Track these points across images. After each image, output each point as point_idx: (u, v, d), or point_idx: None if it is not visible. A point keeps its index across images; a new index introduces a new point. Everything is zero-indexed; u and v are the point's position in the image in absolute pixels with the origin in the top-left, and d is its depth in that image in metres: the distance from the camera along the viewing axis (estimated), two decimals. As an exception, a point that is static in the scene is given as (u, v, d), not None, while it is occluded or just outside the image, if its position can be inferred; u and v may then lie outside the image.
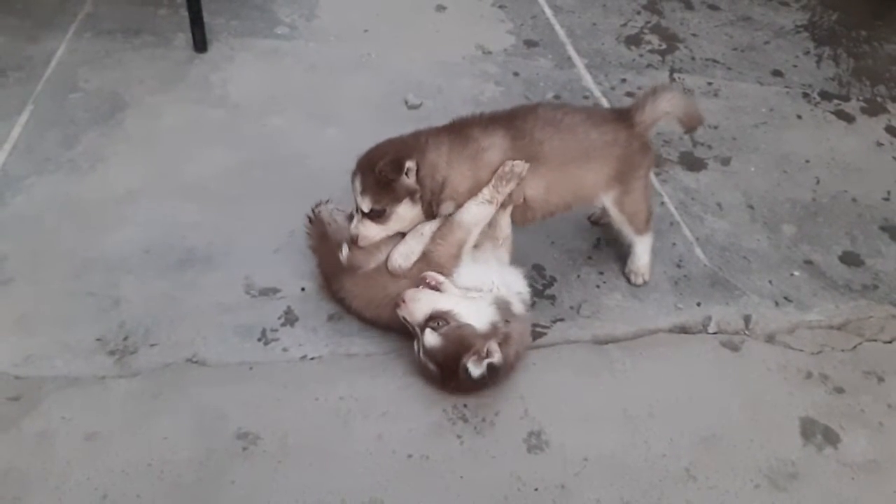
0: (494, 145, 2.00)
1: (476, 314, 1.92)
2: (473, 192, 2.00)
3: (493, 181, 1.98)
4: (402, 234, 2.05)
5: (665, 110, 2.17)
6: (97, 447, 1.79)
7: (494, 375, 1.89)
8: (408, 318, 1.92)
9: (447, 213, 2.02)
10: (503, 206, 2.03)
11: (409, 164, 1.93)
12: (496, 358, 1.86)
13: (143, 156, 2.59)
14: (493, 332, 1.90)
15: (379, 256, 2.05)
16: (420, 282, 1.98)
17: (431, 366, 1.90)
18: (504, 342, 1.90)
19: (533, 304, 2.14)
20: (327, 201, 2.25)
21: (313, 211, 2.24)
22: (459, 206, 2.01)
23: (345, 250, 2.07)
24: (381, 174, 1.92)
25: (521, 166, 1.96)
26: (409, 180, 1.95)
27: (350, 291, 2.07)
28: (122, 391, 1.91)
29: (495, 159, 1.99)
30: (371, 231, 2.00)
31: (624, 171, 2.13)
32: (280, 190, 2.50)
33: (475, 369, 1.85)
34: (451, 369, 1.88)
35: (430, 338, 1.88)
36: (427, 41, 3.32)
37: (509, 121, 2.06)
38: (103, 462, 1.76)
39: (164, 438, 1.82)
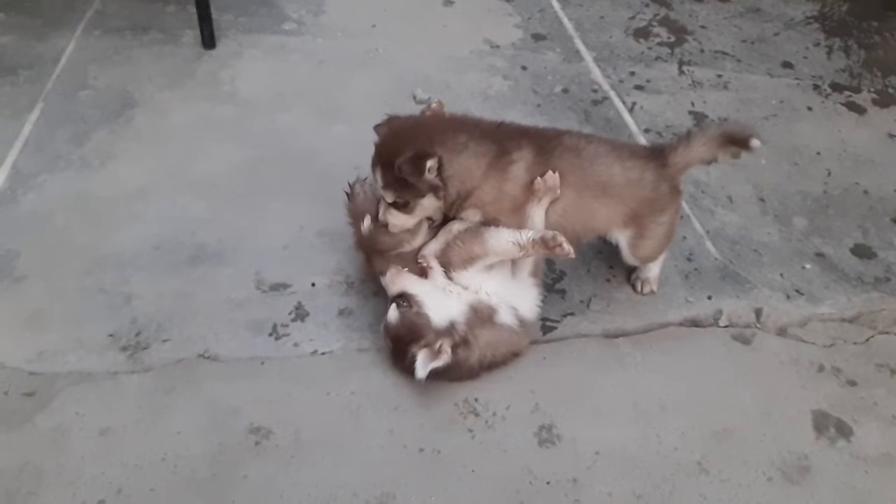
0: (522, 159, 1.95)
1: (439, 308, 1.91)
2: (497, 202, 1.95)
3: (536, 240, 1.89)
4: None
5: (699, 157, 2.08)
6: (111, 442, 1.80)
7: (444, 374, 1.88)
8: (386, 289, 1.98)
9: (471, 219, 2.00)
10: (540, 201, 1.96)
11: (430, 163, 1.84)
12: (442, 360, 1.84)
13: (153, 153, 2.60)
14: (448, 330, 1.88)
15: (407, 241, 2.04)
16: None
17: (388, 341, 1.94)
18: (462, 345, 1.89)
19: (546, 304, 2.13)
20: (365, 179, 2.20)
21: (351, 186, 2.21)
22: (485, 214, 1.98)
23: (366, 222, 2.07)
24: (400, 172, 1.85)
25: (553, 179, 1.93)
26: (432, 177, 1.86)
27: (379, 272, 2.06)
28: (135, 386, 1.92)
29: (520, 174, 1.95)
30: (399, 220, 1.97)
31: (644, 215, 2.05)
32: (289, 186, 2.50)
33: (421, 368, 1.81)
34: (399, 351, 1.90)
35: (392, 313, 1.92)
36: (435, 36, 3.32)
37: (539, 140, 1.99)
38: (117, 457, 1.77)
39: (178, 433, 1.83)
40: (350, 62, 3.10)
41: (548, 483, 1.80)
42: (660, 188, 2.05)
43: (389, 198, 1.93)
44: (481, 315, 1.94)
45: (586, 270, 2.34)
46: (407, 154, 1.84)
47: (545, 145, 1.98)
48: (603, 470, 1.83)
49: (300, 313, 2.13)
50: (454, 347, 1.87)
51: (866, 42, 3.56)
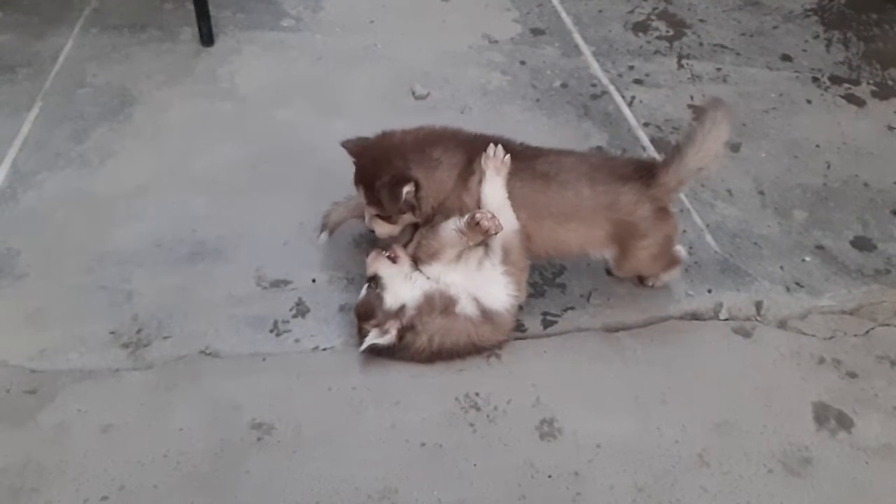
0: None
1: (395, 293, 1.98)
2: (458, 211, 1.99)
3: (468, 221, 1.91)
4: None
5: (695, 169, 1.95)
6: (113, 439, 1.81)
7: (393, 354, 1.97)
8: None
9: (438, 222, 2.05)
10: (486, 176, 1.96)
11: (407, 188, 1.92)
12: (385, 340, 1.95)
13: (152, 150, 2.60)
14: (397, 313, 1.96)
15: (397, 241, 2.11)
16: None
17: (355, 315, 2.03)
18: (410, 329, 1.95)
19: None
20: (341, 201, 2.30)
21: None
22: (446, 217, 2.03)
23: (323, 238, 2.22)
24: (379, 196, 1.94)
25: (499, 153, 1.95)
26: (410, 197, 1.94)
27: None
28: (136, 383, 1.92)
29: (475, 187, 1.97)
30: (384, 228, 2.04)
31: (623, 237, 2.02)
32: (289, 182, 2.50)
33: (364, 343, 1.94)
34: (358, 325, 2.01)
35: (363, 292, 2.03)
36: (433, 31, 3.31)
37: (514, 159, 1.98)
38: (119, 453, 1.78)
39: (180, 429, 1.83)
40: (349, 58, 3.10)
41: (549, 476, 1.80)
42: (638, 211, 1.98)
43: (373, 212, 2.01)
44: (435, 304, 1.98)
45: (586, 265, 2.33)
46: (384, 179, 1.92)
47: (516, 166, 1.98)
48: (604, 463, 1.84)
49: (301, 309, 2.13)
50: (401, 331, 1.96)
51: (865, 34, 3.55)
